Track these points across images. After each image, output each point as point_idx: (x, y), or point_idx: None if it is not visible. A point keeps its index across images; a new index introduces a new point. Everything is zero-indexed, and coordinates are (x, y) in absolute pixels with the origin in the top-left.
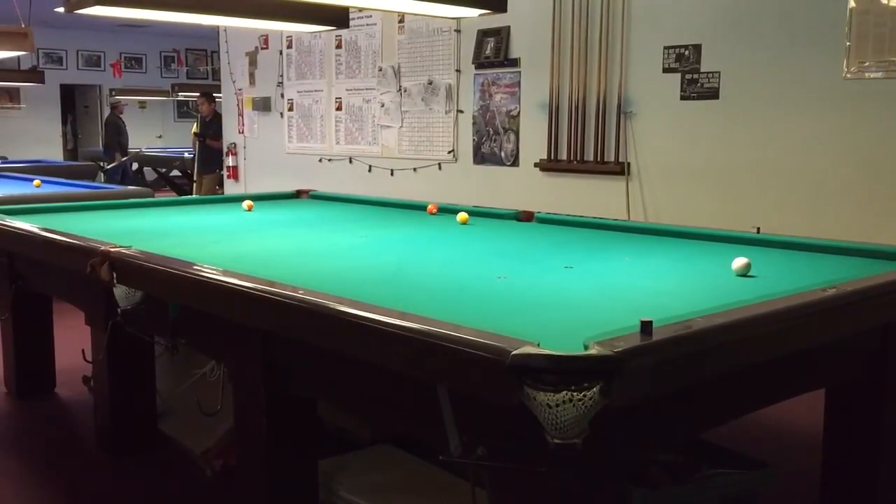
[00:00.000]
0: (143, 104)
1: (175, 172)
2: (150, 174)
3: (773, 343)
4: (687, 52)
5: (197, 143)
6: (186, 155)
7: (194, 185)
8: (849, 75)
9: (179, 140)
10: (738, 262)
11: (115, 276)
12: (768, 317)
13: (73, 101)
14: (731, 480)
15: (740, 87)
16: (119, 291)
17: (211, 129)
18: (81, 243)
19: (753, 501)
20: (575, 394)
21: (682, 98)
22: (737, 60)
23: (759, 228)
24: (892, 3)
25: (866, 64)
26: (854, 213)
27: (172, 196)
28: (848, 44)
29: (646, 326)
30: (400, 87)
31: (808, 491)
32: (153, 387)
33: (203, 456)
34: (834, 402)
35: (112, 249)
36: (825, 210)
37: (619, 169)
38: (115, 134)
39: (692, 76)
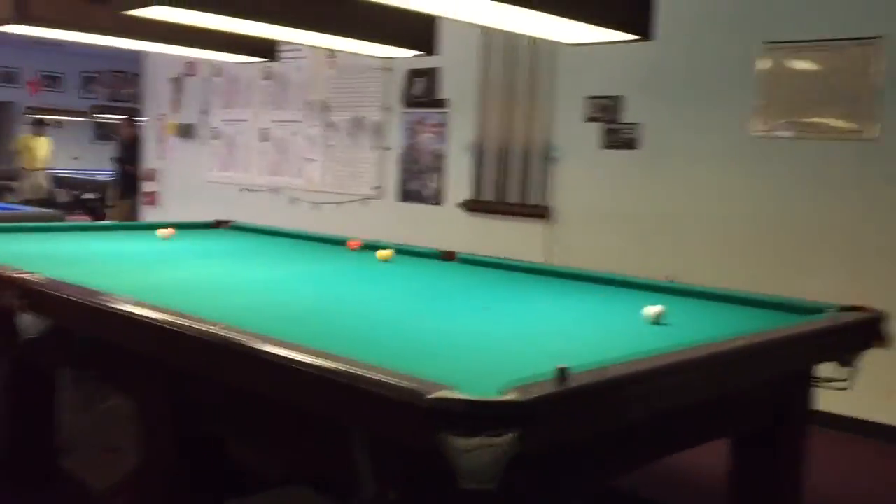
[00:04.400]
0: (58, 124)
1: (89, 195)
2: (62, 196)
3: (684, 391)
4: (609, 103)
5: (116, 167)
6: (101, 178)
7: (109, 210)
8: (758, 133)
9: (96, 163)
10: (652, 309)
11: (19, 304)
12: (680, 365)
13: None
14: None
15: (658, 139)
16: (23, 320)
17: (130, 153)
18: None
19: None
20: (490, 439)
21: (604, 147)
22: (655, 113)
23: (671, 277)
24: (800, 68)
25: (775, 123)
26: (762, 266)
27: (86, 220)
28: (757, 103)
29: (561, 373)
30: (327, 121)
31: None
32: (55, 420)
33: (106, 494)
34: (738, 449)
35: (17, 276)
36: (735, 261)
37: (542, 212)
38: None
39: (613, 126)
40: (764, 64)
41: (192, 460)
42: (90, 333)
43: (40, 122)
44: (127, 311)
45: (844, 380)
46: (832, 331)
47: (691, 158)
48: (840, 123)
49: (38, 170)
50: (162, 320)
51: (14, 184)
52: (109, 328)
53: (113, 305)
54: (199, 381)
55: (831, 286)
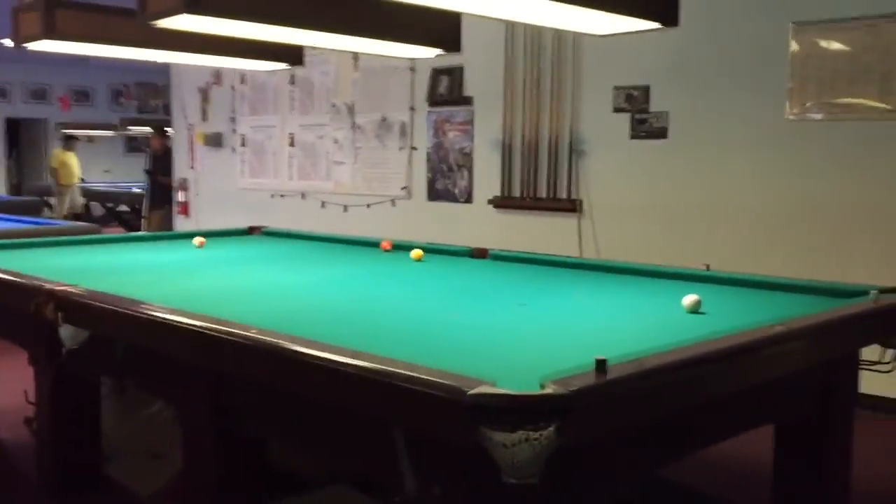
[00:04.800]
0: (90, 139)
1: (123, 208)
2: (97, 209)
3: (724, 380)
4: (636, 93)
5: (147, 179)
6: (135, 190)
7: (143, 221)
8: (791, 117)
9: (128, 175)
10: (689, 299)
11: (60, 315)
12: (719, 354)
13: (17, 136)
14: None
15: (688, 128)
16: (64, 331)
17: (161, 164)
18: (26, 282)
19: None
20: (531, 433)
21: (632, 137)
22: (684, 101)
23: (708, 265)
24: (831, 48)
25: (808, 105)
26: (799, 251)
27: (121, 232)
28: (790, 86)
29: (600, 365)
30: (354, 123)
31: None
32: (98, 429)
33: (151, 500)
34: (782, 436)
35: (58, 288)
36: (771, 247)
37: (572, 206)
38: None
39: (641, 116)
40: (794, 45)
41: (234, 463)
42: (129, 342)
43: (71, 138)
44: (164, 319)
45: (889, 362)
46: (874, 313)
47: (723, 145)
48: (875, 103)
49: (73, 185)
50: (199, 326)
51: (52, 199)
52: (148, 336)
53: (151, 313)
54: (238, 385)
55: (872, 269)
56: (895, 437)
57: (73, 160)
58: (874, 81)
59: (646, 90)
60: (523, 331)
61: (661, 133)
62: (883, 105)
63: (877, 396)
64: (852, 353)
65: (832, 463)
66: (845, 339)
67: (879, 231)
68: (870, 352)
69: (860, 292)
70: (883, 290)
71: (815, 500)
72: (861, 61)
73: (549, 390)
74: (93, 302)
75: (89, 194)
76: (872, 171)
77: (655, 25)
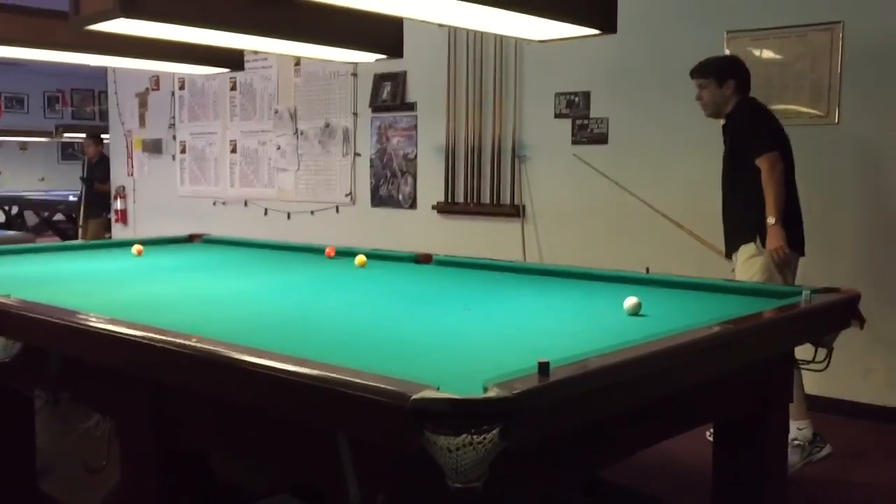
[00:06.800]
0: (23, 146)
1: (59, 217)
2: (31, 218)
3: (665, 380)
4: (577, 99)
5: (83, 186)
6: (71, 198)
7: (80, 230)
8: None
9: (63, 183)
10: (629, 301)
11: None
12: (659, 355)
13: None
14: None
15: (627, 133)
16: None
17: (97, 172)
18: None
19: None
20: (475, 437)
21: (574, 143)
22: (624, 107)
23: (648, 269)
24: (764, 56)
25: None
26: None
27: (56, 241)
28: None
29: (543, 367)
30: (296, 129)
31: None
32: (33, 444)
33: None
34: (721, 435)
35: None
36: (710, 250)
37: (515, 211)
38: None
39: (582, 122)
40: (728, 53)
41: (174, 477)
42: (64, 353)
43: None
44: (101, 329)
45: (822, 360)
46: (807, 313)
47: (662, 149)
48: (805, 109)
49: None
50: (138, 336)
51: None
52: (84, 347)
53: (87, 324)
54: (178, 396)
55: (804, 269)
56: (829, 433)
57: None
58: (804, 88)
59: (587, 96)
60: (467, 335)
61: (601, 139)
62: (813, 111)
63: (811, 395)
64: (787, 351)
65: (770, 459)
66: (780, 339)
67: (811, 232)
68: (805, 350)
69: (793, 293)
70: (815, 291)
71: (754, 494)
72: (792, 69)
73: (492, 393)
74: (25, 312)
75: (23, 203)
76: (805, 175)
77: (594, 32)
